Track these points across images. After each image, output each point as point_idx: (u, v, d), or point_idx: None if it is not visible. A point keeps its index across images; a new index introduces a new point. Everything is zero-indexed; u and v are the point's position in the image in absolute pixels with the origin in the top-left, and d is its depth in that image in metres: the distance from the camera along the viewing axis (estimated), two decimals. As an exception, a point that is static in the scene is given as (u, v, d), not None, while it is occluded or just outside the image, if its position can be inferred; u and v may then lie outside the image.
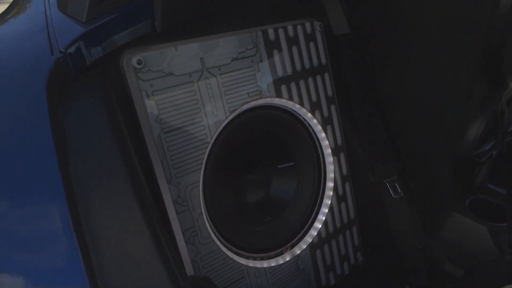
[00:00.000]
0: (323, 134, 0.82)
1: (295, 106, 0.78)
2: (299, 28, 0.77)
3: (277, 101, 0.76)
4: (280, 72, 0.75)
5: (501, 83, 0.77)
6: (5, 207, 0.41)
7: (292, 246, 0.81)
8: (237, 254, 0.74)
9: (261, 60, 0.73)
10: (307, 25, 0.78)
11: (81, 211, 0.42)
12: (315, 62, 0.80)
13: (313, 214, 0.84)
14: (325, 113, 0.82)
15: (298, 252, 0.81)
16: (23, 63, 0.55)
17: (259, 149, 0.81)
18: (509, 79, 0.77)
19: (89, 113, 0.56)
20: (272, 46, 0.74)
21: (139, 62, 0.61)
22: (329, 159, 0.84)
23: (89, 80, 0.59)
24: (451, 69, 0.74)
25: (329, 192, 0.84)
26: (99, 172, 0.49)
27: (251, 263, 0.75)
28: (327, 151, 0.83)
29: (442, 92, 0.77)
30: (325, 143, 0.83)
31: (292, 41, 0.76)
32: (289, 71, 0.76)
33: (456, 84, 0.75)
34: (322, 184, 0.84)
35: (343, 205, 0.86)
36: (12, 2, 0.88)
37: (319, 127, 0.81)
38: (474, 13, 0.68)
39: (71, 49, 0.57)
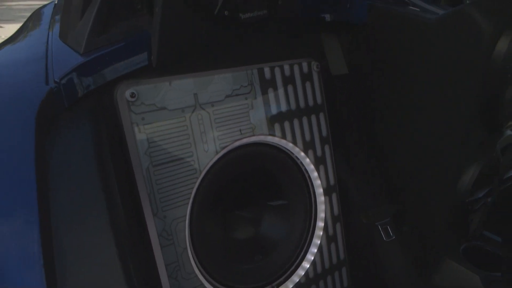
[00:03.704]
0: (316, 174, 0.82)
1: (288, 145, 0.78)
2: (295, 67, 0.78)
3: (270, 139, 0.76)
4: (274, 111, 0.76)
5: (497, 131, 0.77)
6: None
7: (279, 285, 0.80)
8: None
9: (255, 98, 0.74)
10: (304, 64, 0.80)
11: (54, 245, 0.42)
12: (311, 102, 0.80)
13: (302, 253, 0.83)
14: (319, 153, 0.82)
15: (285, 291, 0.80)
16: (16, 91, 0.56)
17: (250, 185, 0.81)
18: (505, 126, 0.77)
19: (76, 145, 0.57)
20: (267, 84, 0.75)
21: (132, 95, 0.62)
22: (321, 198, 0.83)
23: (80, 111, 0.60)
24: (448, 114, 0.74)
25: (319, 232, 0.84)
26: (77, 206, 0.49)
27: None
28: (319, 190, 0.83)
29: (438, 137, 0.77)
30: (317, 182, 0.83)
31: (288, 80, 0.77)
32: (284, 109, 0.77)
33: (453, 129, 0.75)
34: (312, 223, 0.84)
35: (333, 245, 0.85)
36: (21, 26, 0.91)
37: (312, 167, 0.81)
38: (471, 60, 0.69)
39: (66, 80, 0.58)
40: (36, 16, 0.90)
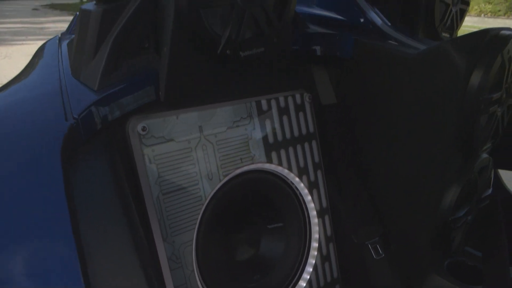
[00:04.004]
0: (309, 197, 0.88)
1: (284, 171, 0.84)
2: (289, 99, 0.85)
3: (267, 166, 0.82)
4: (271, 140, 0.82)
5: (474, 155, 0.84)
6: (24, 253, 0.46)
7: (278, 304, 0.85)
8: None
9: (254, 129, 0.80)
10: (297, 96, 0.86)
11: (88, 263, 0.47)
12: (304, 131, 0.87)
13: (298, 273, 0.88)
14: (312, 178, 0.88)
15: (283, 310, 0.85)
16: (40, 127, 0.61)
17: (250, 210, 0.86)
18: (481, 150, 0.84)
19: (96, 174, 0.61)
20: (264, 115, 0.81)
21: (143, 129, 0.68)
22: (315, 220, 0.89)
23: (97, 143, 0.65)
24: (429, 143, 0.81)
25: (314, 252, 0.89)
26: (103, 229, 0.53)
27: None
28: (313, 213, 0.89)
29: (421, 162, 0.84)
30: (311, 205, 0.88)
31: (283, 111, 0.84)
32: (280, 138, 0.83)
33: (434, 154, 0.82)
34: (307, 244, 0.89)
35: (327, 264, 0.91)
36: (29, 62, 0.95)
37: (306, 191, 0.87)
38: (448, 92, 0.76)
39: (83, 115, 0.62)
40: (42, 52, 0.94)
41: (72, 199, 0.53)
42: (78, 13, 1.10)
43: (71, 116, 0.62)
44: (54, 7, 14.54)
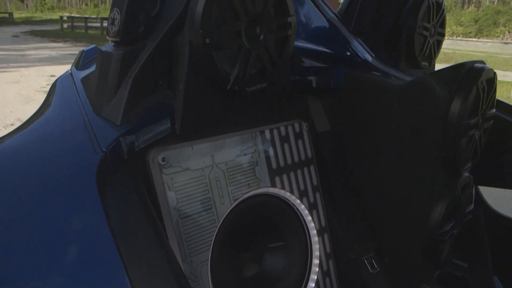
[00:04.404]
0: (310, 218, 0.95)
1: (286, 194, 0.92)
2: (289, 128, 0.93)
3: (271, 190, 0.90)
4: (274, 165, 0.90)
5: (457, 174, 0.93)
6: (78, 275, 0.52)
7: (284, 318, 0.91)
8: None
9: (259, 156, 0.87)
10: (296, 125, 0.94)
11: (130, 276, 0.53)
12: (303, 156, 0.95)
13: None
14: (311, 200, 0.96)
15: (289, 324, 0.91)
16: (76, 160, 0.68)
17: (257, 230, 0.93)
18: (463, 169, 0.93)
19: (124, 200, 0.68)
20: (268, 143, 0.89)
21: (163, 159, 0.75)
22: (315, 239, 0.96)
23: (122, 172, 0.71)
24: (416, 164, 0.90)
25: (315, 268, 0.96)
26: (140, 253, 0.60)
27: None
28: (313, 232, 0.96)
29: (410, 182, 0.93)
30: (311, 225, 0.96)
31: (284, 139, 0.92)
32: (282, 164, 0.91)
33: (421, 176, 0.90)
34: (309, 260, 0.96)
35: (327, 279, 0.98)
36: (46, 98, 1.01)
37: (306, 212, 0.95)
38: (431, 119, 0.85)
39: (111, 148, 0.69)
40: (55, 89, 1.01)
41: (111, 226, 0.59)
42: (84, 49, 1.18)
43: (99, 149, 0.68)
44: (34, 33, 14.54)
